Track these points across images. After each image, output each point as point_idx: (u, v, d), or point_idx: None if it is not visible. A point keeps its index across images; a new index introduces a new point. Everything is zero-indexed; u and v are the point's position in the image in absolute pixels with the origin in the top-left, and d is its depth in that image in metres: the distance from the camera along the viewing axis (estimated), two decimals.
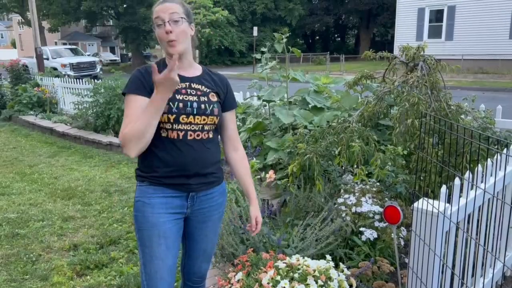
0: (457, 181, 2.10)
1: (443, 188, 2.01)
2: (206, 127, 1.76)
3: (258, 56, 5.34)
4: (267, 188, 4.24)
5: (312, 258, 2.71)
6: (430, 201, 1.85)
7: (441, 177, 3.39)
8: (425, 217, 1.84)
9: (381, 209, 2.82)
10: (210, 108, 1.76)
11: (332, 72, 23.12)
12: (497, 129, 3.71)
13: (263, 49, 5.16)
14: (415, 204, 1.88)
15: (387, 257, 2.73)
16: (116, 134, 7.43)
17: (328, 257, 2.01)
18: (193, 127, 1.73)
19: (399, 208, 2.00)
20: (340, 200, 2.92)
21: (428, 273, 1.88)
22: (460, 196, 2.24)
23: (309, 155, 3.12)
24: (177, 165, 1.71)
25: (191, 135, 1.72)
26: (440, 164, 3.39)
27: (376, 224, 2.76)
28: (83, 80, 9.11)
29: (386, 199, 3.05)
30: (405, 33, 22.54)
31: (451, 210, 1.85)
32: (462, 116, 3.44)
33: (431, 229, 1.83)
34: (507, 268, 2.94)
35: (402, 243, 2.76)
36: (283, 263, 1.92)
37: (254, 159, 3.93)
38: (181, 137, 1.70)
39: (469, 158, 3.13)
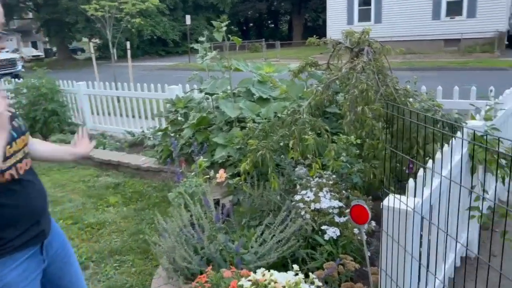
0: (421, 172, 2.01)
1: (411, 182, 1.90)
2: (26, 149, 1.42)
3: (196, 46, 5.05)
4: (217, 186, 4.01)
5: (274, 263, 2.55)
6: (403, 198, 1.73)
7: (397, 165, 3.35)
8: (397, 215, 1.72)
9: (341, 204, 2.70)
10: (23, 122, 1.45)
11: (268, 59, 23.12)
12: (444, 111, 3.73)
13: (200, 38, 4.87)
14: (385, 202, 1.76)
15: (350, 253, 2.63)
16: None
17: (296, 267, 1.84)
18: (17, 156, 1.35)
19: (366, 206, 1.87)
20: (297, 197, 2.77)
21: (402, 274, 1.77)
22: (423, 186, 2.16)
23: (262, 152, 2.93)
24: (24, 214, 1.34)
25: (21, 168, 1.36)
26: (392, 149, 3.35)
27: (336, 219, 2.64)
28: (2, 79, 8.25)
29: (344, 191, 2.94)
30: (336, 17, 23.03)
31: (422, 205, 1.74)
32: (411, 100, 3.41)
33: (406, 228, 1.71)
34: (464, 249, 2.96)
35: (365, 237, 2.66)
36: (248, 280, 1.72)
37: (201, 157, 3.68)
38: (15, 176, 1.33)
39: (422, 143, 3.10)
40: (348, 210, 2.74)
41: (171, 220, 3.01)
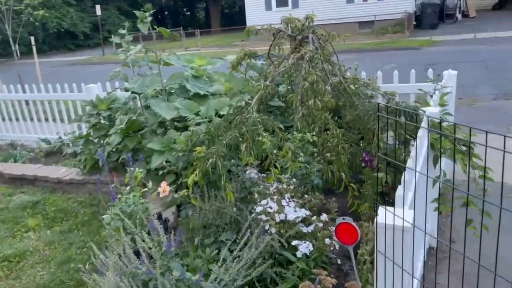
0: (407, 176, 1.78)
1: (399, 191, 1.66)
2: None
3: (115, 40, 4.48)
4: (156, 198, 3.55)
5: None
6: (398, 212, 1.47)
7: (348, 157, 3.15)
8: (392, 232, 1.46)
9: (308, 212, 2.43)
10: None
11: (189, 48, 22.35)
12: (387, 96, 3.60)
13: (121, 30, 4.31)
14: (379, 219, 1.49)
15: (322, 265, 2.38)
16: None
17: None
18: None
19: (354, 224, 1.60)
20: (258, 208, 2.45)
21: None
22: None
23: (212, 160, 2.56)
24: None
25: None
26: (354, 144, 3.15)
27: (304, 229, 2.36)
28: None
29: (306, 195, 2.68)
30: (254, 3, 22.83)
31: (425, 222, 1.50)
32: (362, 89, 3.22)
33: (404, 244, 1.46)
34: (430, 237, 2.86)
35: (337, 247, 2.42)
36: None
37: (136, 169, 3.20)
38: None
39: (377, 132, 2.92)
40: (314, 218, 2.48)
41: (109, 250, 2.54)
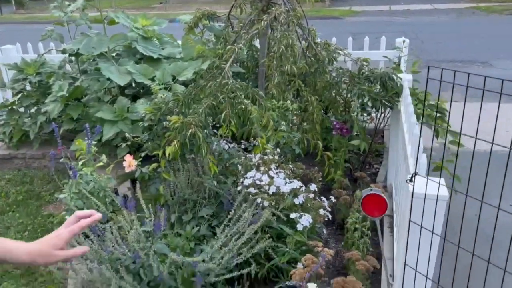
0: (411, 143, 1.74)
1: (423, 158, 1.61)
2: None
3: None
4: (113, 172, 3.21)
5: (236, 266, 2.08)
6: (436, 180, 1.42)
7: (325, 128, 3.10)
8: (430, 203, 1.42)
9: (300, 183, 2.33)
10: None
11: (104, 9, 20.61)
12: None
13: None
14: (417, 189, 1.43)
15: (316, 237, 2.32)
16: None
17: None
18: None
19: (383, 195, 1.53)
20: (246, 181, 2.29)
21: (426, 265, 1.51)
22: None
23: (192, 130, 2.32)
24: None
25: None
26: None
27: (296, 201, 2.27)
28: None
29: (291, 165, 2.57)
30: None
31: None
32: (334, 55, 3.14)
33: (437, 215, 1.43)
34: None
35: (330, 216, 2.36)
36: None
37: (91, 142, 2.82)
38: None
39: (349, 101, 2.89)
40: (303, 188, 2.40)
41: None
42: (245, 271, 2.01)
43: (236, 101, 2.46)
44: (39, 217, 3.37)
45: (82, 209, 2.45)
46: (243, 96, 2.49)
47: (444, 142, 2.34)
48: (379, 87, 2.90)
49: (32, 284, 2.63)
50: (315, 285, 1.40)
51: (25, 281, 2.66)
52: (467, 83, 1.11)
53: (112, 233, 2.05)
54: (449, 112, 2.56)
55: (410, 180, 1.43)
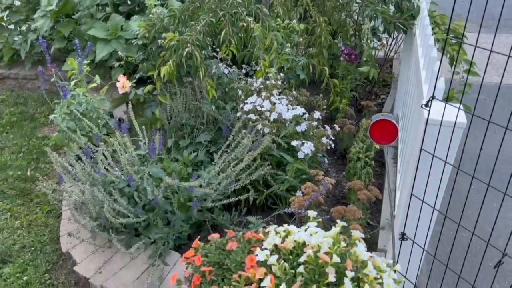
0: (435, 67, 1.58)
1: (441, 83, 1.47)
2: None
3: None
4: (107, 95, 3.08)
5: (234, 192, 2.02)
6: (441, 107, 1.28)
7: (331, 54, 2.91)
8: (438, 129, 1.30)
9: (304, 110, 2.20)
10: None
11: None
12: None
13: None
14: (432, 115, 1.30)
15: (317, 166, 2.24)
16: None
17: (312, 213, 1.34)
18: None
19: (394, 121, 1.41)
20: (246, 107, 2.16)
21: (435, 195, 1.43)
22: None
23: (189, 49, 2.15)
24: None
25: None
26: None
27: (298, 128, 2.15)
28: None
29: (294, 92, 2.42)
30: None
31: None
32: None
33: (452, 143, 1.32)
34: None
35: (333, 145, 2.26)
36: (266, 251, 1.17)
37: (84, 60, 2.65)
38: None
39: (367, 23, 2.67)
40: (307, 116, 2.28)
41: (61, 155, 2.15)
42: (242, 197, 1.96)
43: (237, 18, 2.26)
44: (33, 139, 3.29)
45: (75, 130, 2.36)
46: (245, 13, 2.28)
47: (452, 70, 2.17)
48: (393, 8, 2.67)
49: (27, 205, 2.60)
50: (315, 212, 1.33)
51: (21, 202, 2.63)
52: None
53: (104, 154, 1.96)
54: (462, 38, 2.37)
55: (426, 105, 1.30)
